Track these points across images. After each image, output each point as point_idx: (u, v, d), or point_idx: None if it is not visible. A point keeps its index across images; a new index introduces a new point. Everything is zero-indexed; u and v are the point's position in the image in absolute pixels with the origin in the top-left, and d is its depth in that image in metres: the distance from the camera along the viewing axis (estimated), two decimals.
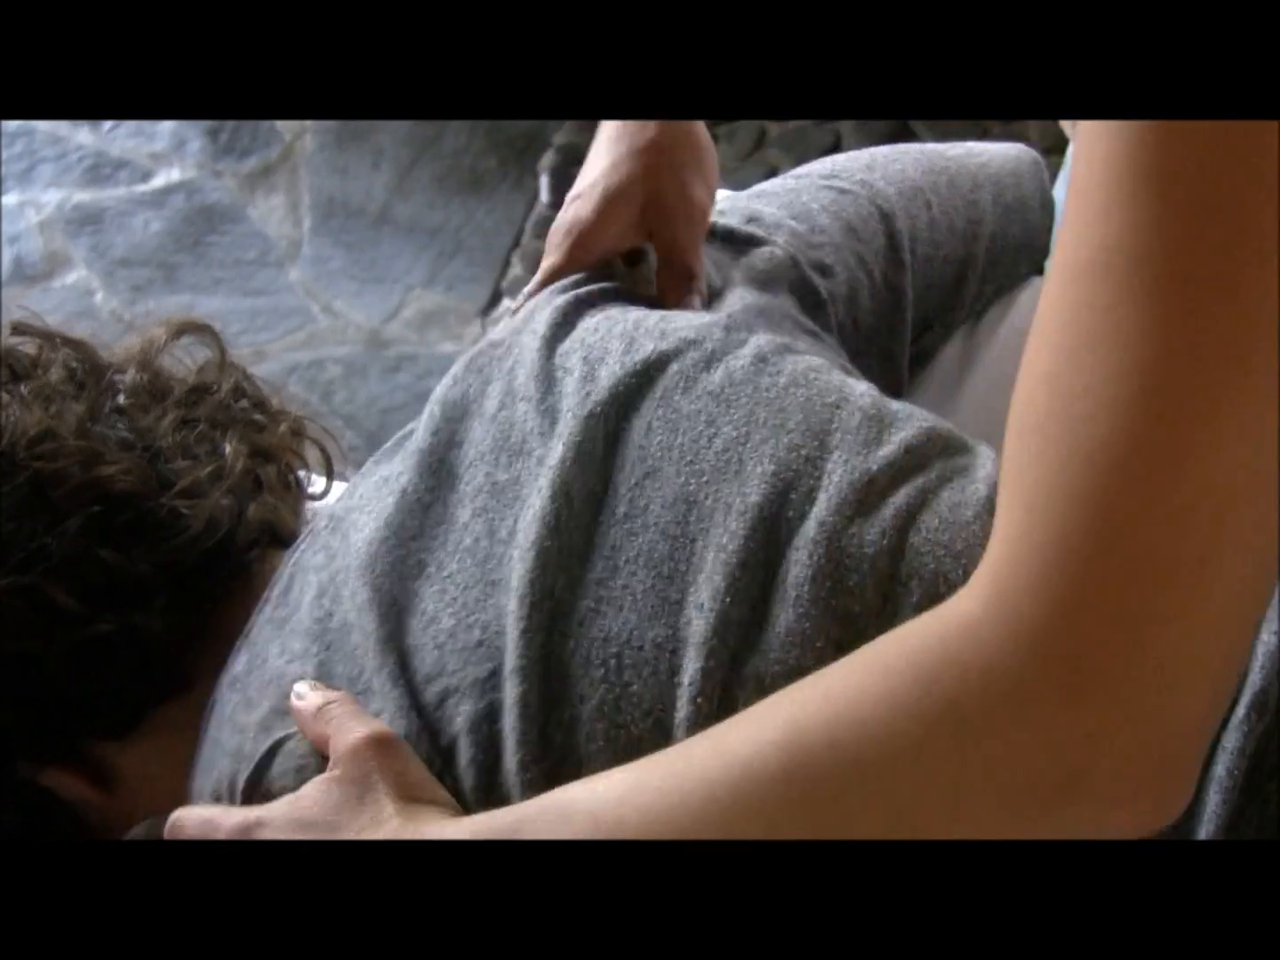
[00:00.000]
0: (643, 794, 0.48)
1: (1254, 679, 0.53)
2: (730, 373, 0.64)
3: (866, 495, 0.58)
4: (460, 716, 0.55)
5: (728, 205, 0.82)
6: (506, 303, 0.79)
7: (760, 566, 0.56)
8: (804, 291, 0.76)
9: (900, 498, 0.58)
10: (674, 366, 0.64)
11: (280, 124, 2.26)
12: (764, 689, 0.53)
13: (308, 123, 2.25)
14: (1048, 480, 0.41)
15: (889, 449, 0.60)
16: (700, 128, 0.77)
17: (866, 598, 0.55)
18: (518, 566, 0.58)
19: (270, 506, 0.68)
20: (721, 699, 0.53)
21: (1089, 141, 0.42)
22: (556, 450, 0.60)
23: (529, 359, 0.66)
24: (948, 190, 0.85)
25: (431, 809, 0.54)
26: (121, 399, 0.68)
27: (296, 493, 0.73)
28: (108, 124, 2.26)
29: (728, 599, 0.55)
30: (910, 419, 0.63)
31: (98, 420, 0.66)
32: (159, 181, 2.20)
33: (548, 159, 2.22)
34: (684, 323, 0.67)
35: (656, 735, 0.53)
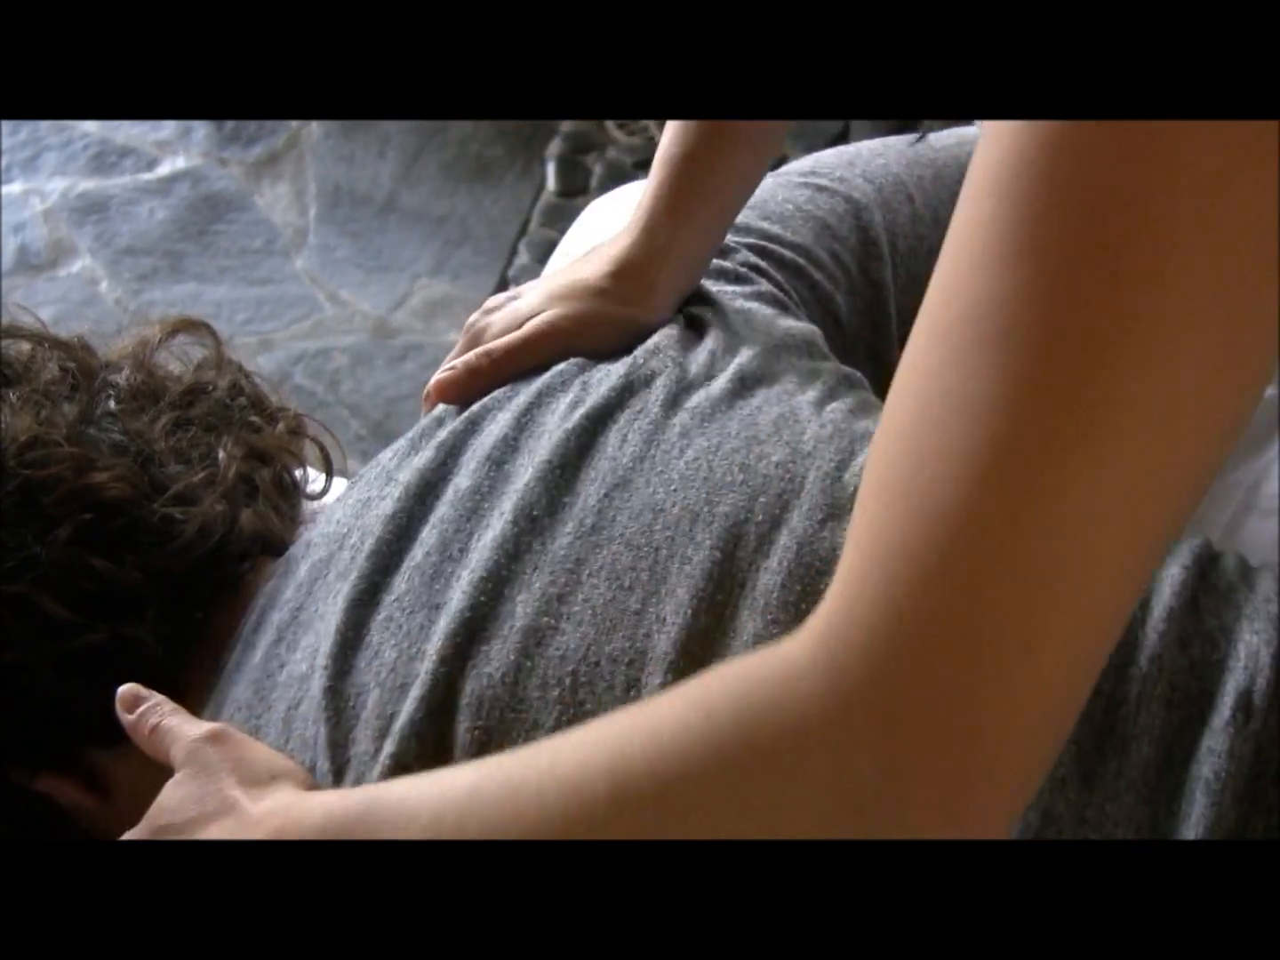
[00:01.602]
0: (483, 804, 0.48)
1: (1238, 679, 0.53)
2: (710, 393, 0.64)
3: (838, 499, 0.58)
4: (379, 765, 0.54)
5: None
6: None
7: (727, 576, 0.56)
8: (772, 297, 0.76)
9: None
10: (659, 382, 0.64)
11: None
12: None
13: None
14: (888, 538, 0.41)
15: (862, 457, 0.60)
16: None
17: None
18: (465, 590, 0.57)
19: (264, 515, 0.68)
20: None
21: (973, 198, 0.42)
22: (527, 469, 0.60)
23: (531, 386, 0.66)
24: (933, 183, 0.84)
25: (279, 786, 0.54)
26: (113, 402, 0.67)
27: (293, 494, 0.73)
28: None
29: (690, 610, 0.55)
30: (867, 437, 0.63)
31: (90, 423, 0.66)
32: (164, 170, 2.19)
33: (555, 146, 2.21)
34: (674, 348, 0.67)
35: None
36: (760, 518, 0.57)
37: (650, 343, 0.67)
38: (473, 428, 0.64)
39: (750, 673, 0.45)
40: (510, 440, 0.62)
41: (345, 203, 2.15)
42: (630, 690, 0.53)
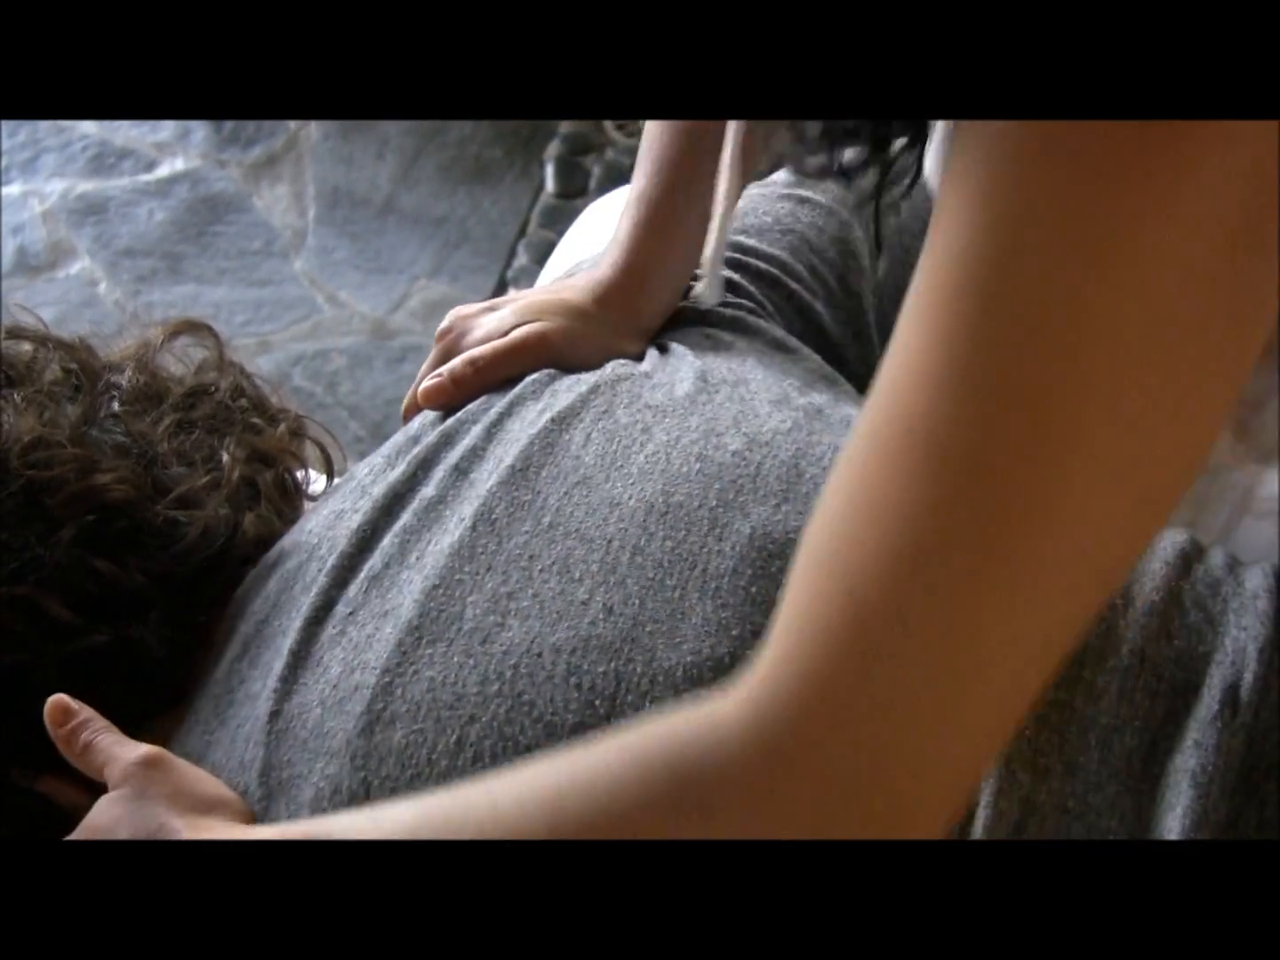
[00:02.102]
0: (422, 839, 0.49)
1: (1224, 673, 0.54)
2: (671, 391, 0.65)
3: (793, 485, 0.58)
4: (325, 780, 0.54)
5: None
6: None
7: (678, 560, 0.56)
8: (743, 308, 0.77)
9: None
10: (624, 385, 0.65)
11: None
12: (674, 682, 0.53)
13: None
14: (818, 619, 0.44)
15: (820, 448, 0.61)
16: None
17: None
18: (416, 597, 0.57)
19: (266, 519, 0.68)
20: (623, 698, 0.53)
21: (915, 317, 0.45)
22: (491, 475, 0.60)
23: (505, 397, 0.67)
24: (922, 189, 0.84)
25: (216, 816, 0.55)
26: (116, 404, 0.67)
27: (295, 497, 0.73)
28: None
29: (638, 600, 0.55)
30: (846, 424, 0.64)
31: (93, 425, 0.66)
32: (163, 171, 2.19)
33: (553, 148, 2.21)
34: (647, 356, 0.69)
35: (547, 740, 0.53)
36: (714, 503, 0.58)
37: (620, 358, 0.69)
38: (447, 441, 0.64)
39: (683, 733, 0.47)
40: (478, 450, 0.63)
41: (344, 204, 2.15)
42: (571, 677, 0.53)
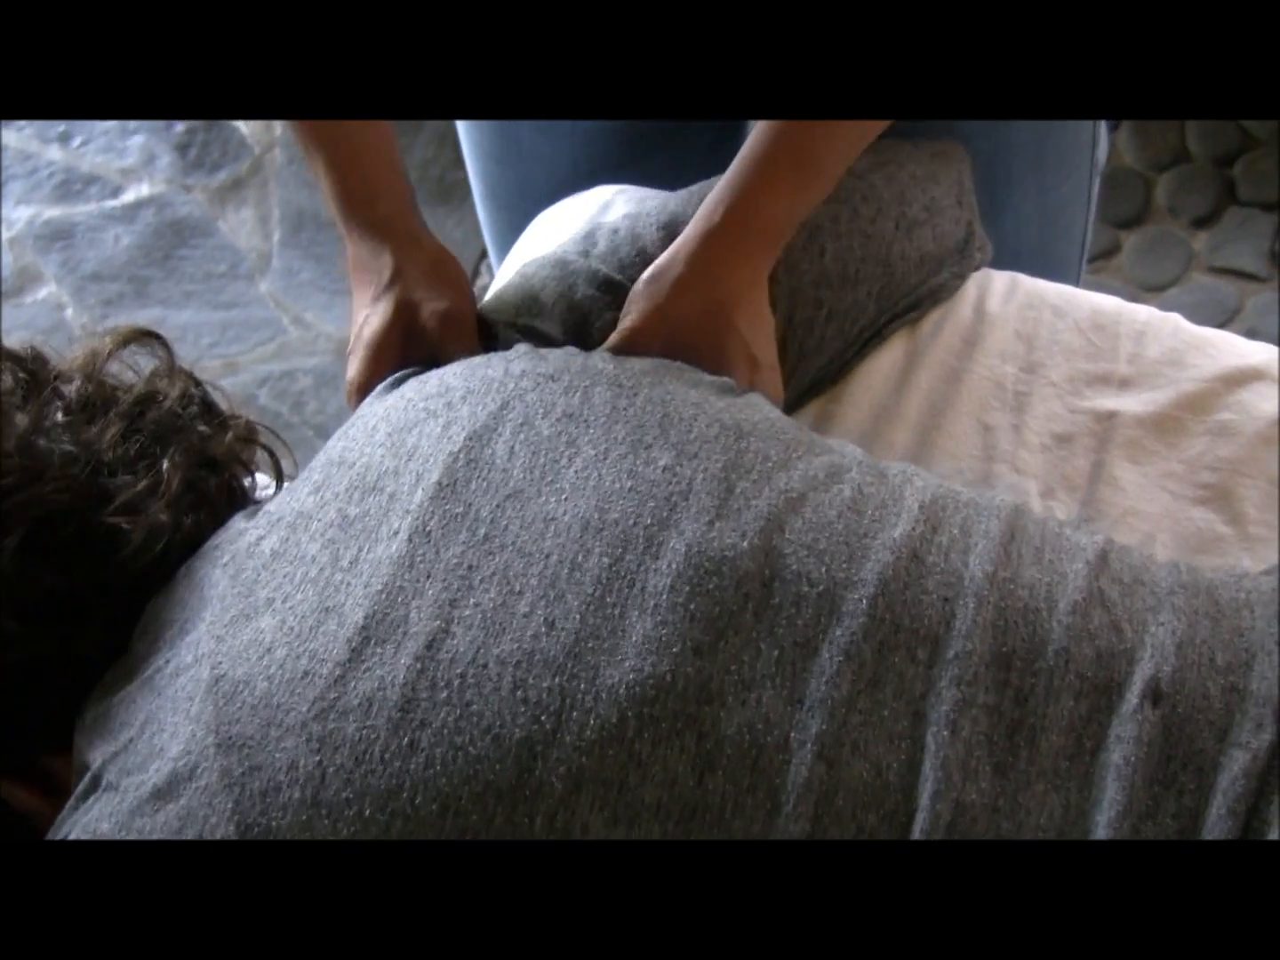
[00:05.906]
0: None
1: (1144, 669, 0.54)
2: (588, 395, 0.65)
3: (725, 501, 0.59)
4: (282, 752, 0.55)
5: (579, 261, 0.83)
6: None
7: (616, 578, 0.57)
8: None
9: (762, 502, 0.59)
10: (532, 396, 0.65)
11: (249, 137, 2.26)
12: (618, 699, 0.54)
13: (276, 135, 2.26)
14: None
15: (749, 456, 0.61)
16: (428, 246, 0.84)
17: (726, 599, 0.56)
18: (359, 599, 0.58)
19: (203, 525, 0.68)
20: (569, 713, 0.54)
21: None
22: (416, 494, 0.61)
23: (394, 411, 0.68)
24: (848, 222, 0.85)
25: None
26: (61, 414, 0.68)
27: (241, 502, 0.73)
28: (77, 140, 2.26)
29: (578, 615, 0.56)
30: (770, 429, 0.65)
31: (40, 434, 0.66)
32: (129, 196, 2.20)
33: None
34: (540, 361, 0.69)
35: (495, 752, 0.53)
36: (649, 521, 0.58)
37: (517, 367, 0.68)
38: (346, 464, 0.65)
39: None
40: (391, 470, 0.63)
41: (309, 226, 2.16)
42: (517, 690, 0.54)
